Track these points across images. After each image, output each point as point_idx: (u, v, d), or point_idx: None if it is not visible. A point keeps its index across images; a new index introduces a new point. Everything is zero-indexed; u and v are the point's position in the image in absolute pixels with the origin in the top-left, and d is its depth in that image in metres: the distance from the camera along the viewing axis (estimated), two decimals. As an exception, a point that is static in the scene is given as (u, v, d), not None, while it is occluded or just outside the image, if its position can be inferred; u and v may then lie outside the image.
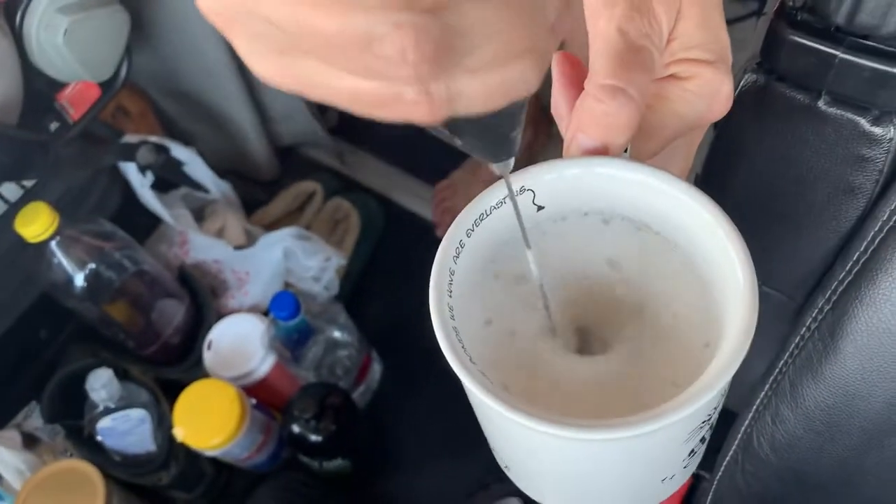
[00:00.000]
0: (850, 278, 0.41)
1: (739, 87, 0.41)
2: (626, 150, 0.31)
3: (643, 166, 0.30)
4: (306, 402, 0.88)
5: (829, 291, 0.42)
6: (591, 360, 0.30)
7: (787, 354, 0.45)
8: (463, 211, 0.30)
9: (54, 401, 0.91)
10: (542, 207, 0.32)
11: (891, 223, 0.38)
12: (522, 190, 0.31)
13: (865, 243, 0.40)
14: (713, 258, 0.29)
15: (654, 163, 0.31)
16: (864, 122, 0.38)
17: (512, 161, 0.27)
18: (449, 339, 0.27)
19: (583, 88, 0.29)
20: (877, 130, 0.38)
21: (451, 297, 0.29)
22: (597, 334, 0.31)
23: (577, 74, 0.31)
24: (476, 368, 0.27)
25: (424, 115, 0.19)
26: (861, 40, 0.37)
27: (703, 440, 0.31)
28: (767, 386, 0.47)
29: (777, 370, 0.46)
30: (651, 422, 0.25)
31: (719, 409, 0.30)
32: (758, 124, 0.42)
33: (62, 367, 0.92)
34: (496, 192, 0.30)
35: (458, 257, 0.30)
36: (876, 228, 0.39)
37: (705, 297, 0.30)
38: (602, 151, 0.30)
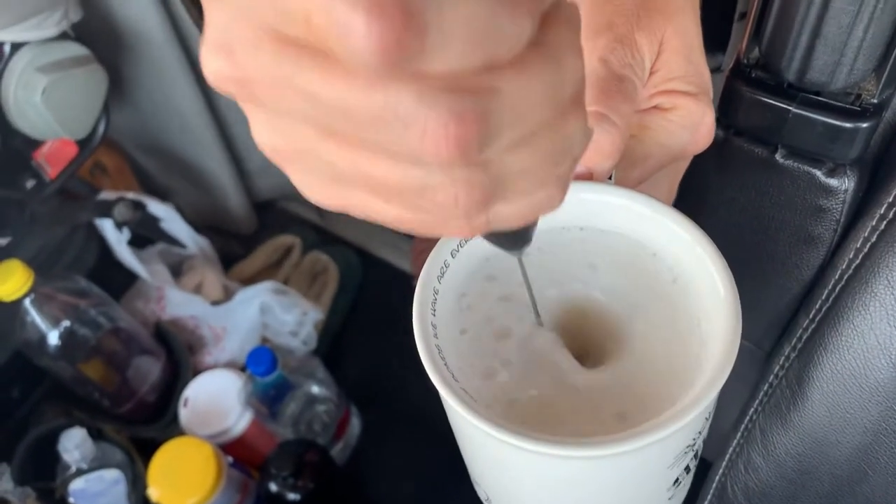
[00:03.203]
0: (813, 326, 0.41)
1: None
2: (610, 178, 0.32)
3: (626, 191, 0.31)
4: (284, 459, 0.87)
5: (795, 339, 0.43)
6: (576, 380, 0.30)
7: (757, 402, 0.45)
8: None
9: (25, 462, 0.89)
10: None
11: (850, 271, 0.39)
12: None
13: (827, 291, 0.41)
14: (695, 275, 0.29)
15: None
16: (819, 174, 0.40)
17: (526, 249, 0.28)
18: (431, 356, 0.27)
19: None
20: (832, 182, 0.40)
21: (434, 315, 0.29)
22: (581, 354, 0.31)
23: None
24: (458, 386, 0.27)
25: (462, 236, 0.20)
26: (813, 96, 0.38)
27: (687, 470, 0.31)
28: (739, 434, 0.47)
29: (748, 418, 0.46)
30: (637, 438, 0.24)
31: (704, 435, 0.30)
32: (719, 177, 0.43)
33: (34, 427, 0.90)
34: None
35: (442, 277, 0.30)
36: (836, 277, 0.40)
37: (689, 317, 0.30)
38: (587, 177, 0.30)
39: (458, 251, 0.31)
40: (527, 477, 0.29)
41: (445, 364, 0.28)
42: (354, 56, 0.15)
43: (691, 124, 0.32)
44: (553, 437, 0.25)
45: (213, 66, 0.17)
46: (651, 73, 0.31)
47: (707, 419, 0.29)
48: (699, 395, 0.26)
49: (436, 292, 0.30)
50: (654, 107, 0.32)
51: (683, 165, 0.36)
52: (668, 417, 0.25)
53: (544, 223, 0.32)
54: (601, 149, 0.29)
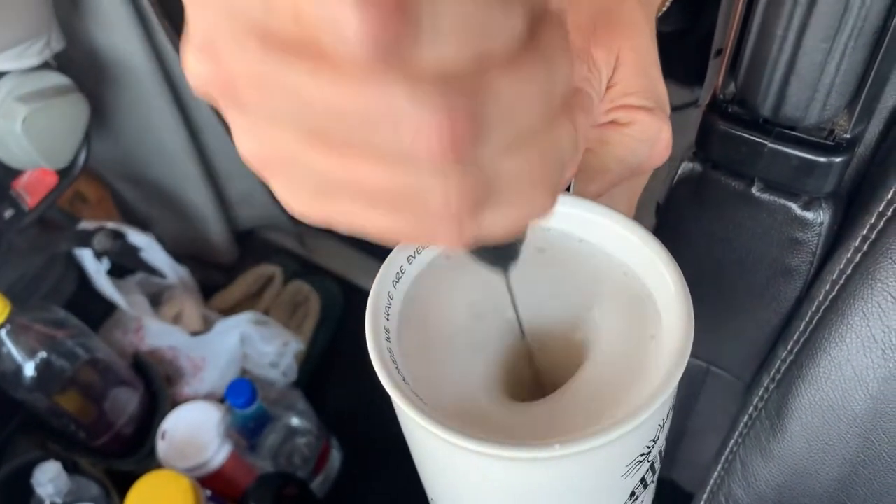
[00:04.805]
0: (791, 357, 0.42)
1: (678, 175, 0.43)
2: (568, 190, 0.32)
3: (578, 199, 0.31)
4: (263, 493, 0.86)
5: (774, 370, 0.43)
6: (532, 384, 0.30)
7: (737, 433, 0.45)
8: None
9: (-2, 497, 0.87)
10: None
11: (826, 303, 0.40)
12: None
13: (804, 323, 0.41)
14: (646, 276, 0.30)
15: None
16: (795, 207, 0.40)
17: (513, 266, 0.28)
18: (382, 359, 0.27)
19: None
20: (808, 215, 0.40)
21: (388, 320, 0.29)
22: (543, 367, 0.31)
23: None
24: (409, 388, 0.27)
25: (452, 245, 0.20)
26: (788, 131, 0.39)
27: (644, 483, 0.30)
28: (720, 465, 0.47)
29: (728, 449, 0.46)
30: (586, 440, 0.25)
31: (660, 446, 0.30)
32: (697, 210, 0.44)
33: (7, 460, 0.89)
34: None
35: (397, 282, 0.30)
36: (813, 309, 0.40)
37: (643, 330, 0.30)
38: None
39: (414, 257, 0.31)
40: (473, 484, 0.29)
41: (397, 368, 0.28)
42: (345, 47, 0.15)
43: (649, 139, 0.32)
44: (498, 438, 0.25)
45: (197, 69, 0.17)
46: (608, 88, 0.32)
47: (661, 427, 0.29)
48: (650, 395, 0.26)
49: (390, 297, 0.30)
50: (612, 121, 0.32)
51: (642, 181, 0.36)
52: (618, 420, 0.25)
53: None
54: None
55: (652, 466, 0.30)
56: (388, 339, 0.28)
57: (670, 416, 0.29)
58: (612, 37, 0.31)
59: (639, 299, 0.30)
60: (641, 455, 0.28)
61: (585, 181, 0.32)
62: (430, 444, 0.28)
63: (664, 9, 0.36)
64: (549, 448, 0.25)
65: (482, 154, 0.17)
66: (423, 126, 0.16)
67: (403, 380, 0.27)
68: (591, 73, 0.31)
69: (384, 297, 0.29)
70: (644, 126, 0.32)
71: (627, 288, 0.31)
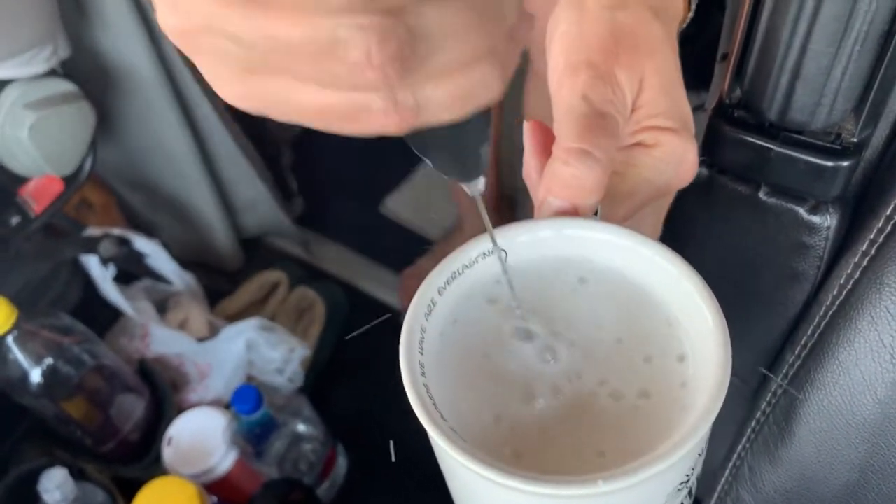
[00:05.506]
0: (799, 362, 0.41)
1: (685, 180, 0.43)
2: (595, 214, 0.32)
3: (610, 226, 0.31)
4: (268, 499, 0.85)
5: (781, 375, 0.43)
6: (566, 416, 0.29)
7: (745, 439, 0.45)
8: (435, 269, 0.31)
9: (4, 503, 0.87)
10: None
11: (834, 308, 0.39)
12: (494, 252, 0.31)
13: (812, 328, 0.41)
14: (682, 308, 0.29)
15: None
16: (802, 212, 0.40)
17: (482, 181, 0.28)
18: (420, 395, 0.27)
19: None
20: (815, 219, 0.40)
21: (422, 354, 0.29)
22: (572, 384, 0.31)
23: (548, 142, 0.32)
24: (447, 425, 0.27)
25: (393, 125, 0.19)
26: (794, 135, 0.39)
27: None
28: (728, 471, 0.47)
29: (736, 455, 0.46)
30: (631, 475, 0.24)
31: (697, 472, 0.30)
32: (704, 214, 0.44)
33: (14, 466, 0.89)
34: (469, 252, 0.31)
35: (429, 314, 0.30)
36: (821, 313, 0.40)
37: (673, 354, 0.30)
38: (572, 213, 0.30)
39: (444, 289, 0.31)
40: None
41: (434, 404, 0.27)
42: None
43: (675, 160, 0.32)
44: (545, 475, 0.25)
45: None
46: (633, 110, 0.32)
47: (700, 455, 0.29)
48: (692, 427, 0.25)
49: (423, 330, 0.29)
50: (638, 143, 0.32)
51: (668, 201, 0.36)
52: (661, 453, 0.25)
53: (529, 251, 0.32)
54: (584, 185, 0.29)
55: (690, 491, 0.30)
56: (423, 374, 0.28)
57: (707, 441, 0.29)
58: (635, 59, 0.31)
59: (673, 329, 0.30)
60: (681, 483, 0.28)
61: (612, 205, 0.32)
62: (467, 478, 0.28)
63: (684, 25, 0.36)
64: (592, 485, 0.24)
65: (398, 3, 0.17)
66: None
67: (441, 416, 0.27)
68: (616, 95, 0.31)
69: (417, 331, 0.29)
70: (670, 147, 0.31)
71: (665, 320, 0.31)
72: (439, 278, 0.31)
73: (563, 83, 0.31)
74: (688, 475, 0.28)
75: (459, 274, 0.31)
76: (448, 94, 0.19)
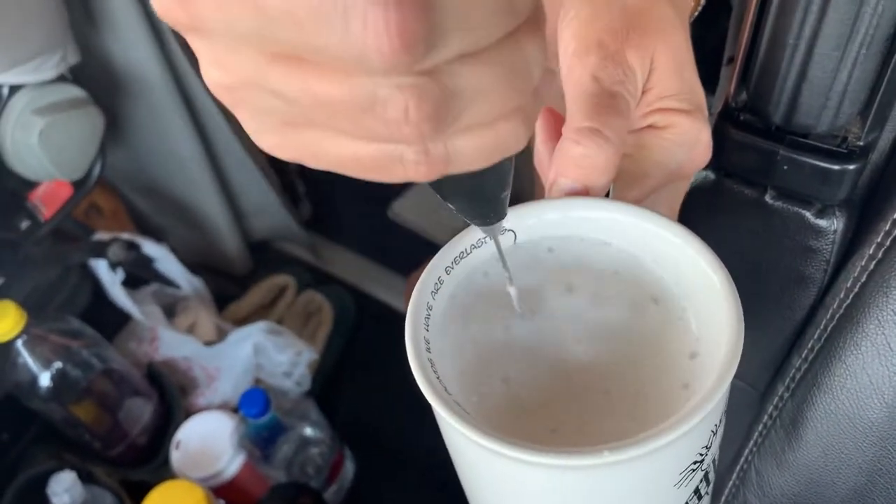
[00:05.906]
0: (806, 366, 0.41)
1: (691, 184, 0.43)
2: (607, 196, 0.32)
3: (619, 203, 0.30)
4: (276, 502, 0.86)
5: (788, 379, 0.43)
6: (575, 394, 0.29)
7: (752, 443, 0.45)
8: (443, 248, 0.31)
9: (14, 507, 0.88)
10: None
11: (841, 311, 0.39)
12: (504, 231, 0.31)
13: (819, 331, 0.41)
14: (690, 277, 0.29)
15: None
16: (808, 215, 0.40)
17: (501, 224, 0.28)
18: (424, 370, 0.27)
19: None
20: (821, 223, 0.40)
21: (427, 330, 0.29)
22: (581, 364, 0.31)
23: (559, 127, 0.32)
24: (451, 398, 0.27)
25: (423, 175, 0.19)
26: (800, 139, 0.39)
27: (698, 494, 0.30)
28: (735, 475, 0.47)
29: (743, 459, 0.46)
30: (641, 444, 0.24)
31: (714, 455, 0.29)
32: (710, 218, 0.44)
33: (23, 470, 0.89)
34: (477, 232, 0.31)
35: (436, 292, 0.30)
36: (827, 317, 0.40)
37: (684, 332, 0.29)
38: (583, 193, 0.30)
39: (451, 268, 0.31)
40: (517, 492, 0.28)
41: (438, 378, 0.27)
42: None
43: (687, 142, 0.32)
44: (549, 446, 0.24)
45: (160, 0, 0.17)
46: (644, 92, 0.31)
47: (714, 433, 0.28)
48: (705, 396, 0.25)
49: (429, 308, 0.30)
50: (650, 125, 0.32)
51: (683, 186, 0.35)
52: (671, 423, 0.24)
53: (541, 230, 0.32)
54: (596, 165, 0.29)
55: (706, 476, 0.30)
56: (428, 350, 0.28)
57: (723, 422, 0.28)
58: (646, 40, 0.31)
59: (683, 301, 0.30)
60: (695, 463, 0.28)
61: (624, 187, 0.31)
62: (471, 452, 0.28)
63: (696, 12, 0.36)
64: (598, 454, 0.24)
65: (438, 56, 0.17)
66: (369, 19, 0.16)
67: (446, 390, 0.27)
68: (626, 76, 0.30)
69: (423, 307, 0.29)
70: (682, 129, 0.31)
71: (673, 291, 0.30)
72: (448, 257, 0.31)
73: (573, 65, 0.31)
74: (701, 454, 0.28)
75: (467, 254, 0.31)
76: (477, 147, 0.20)
